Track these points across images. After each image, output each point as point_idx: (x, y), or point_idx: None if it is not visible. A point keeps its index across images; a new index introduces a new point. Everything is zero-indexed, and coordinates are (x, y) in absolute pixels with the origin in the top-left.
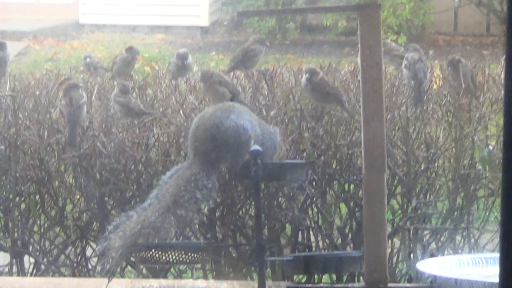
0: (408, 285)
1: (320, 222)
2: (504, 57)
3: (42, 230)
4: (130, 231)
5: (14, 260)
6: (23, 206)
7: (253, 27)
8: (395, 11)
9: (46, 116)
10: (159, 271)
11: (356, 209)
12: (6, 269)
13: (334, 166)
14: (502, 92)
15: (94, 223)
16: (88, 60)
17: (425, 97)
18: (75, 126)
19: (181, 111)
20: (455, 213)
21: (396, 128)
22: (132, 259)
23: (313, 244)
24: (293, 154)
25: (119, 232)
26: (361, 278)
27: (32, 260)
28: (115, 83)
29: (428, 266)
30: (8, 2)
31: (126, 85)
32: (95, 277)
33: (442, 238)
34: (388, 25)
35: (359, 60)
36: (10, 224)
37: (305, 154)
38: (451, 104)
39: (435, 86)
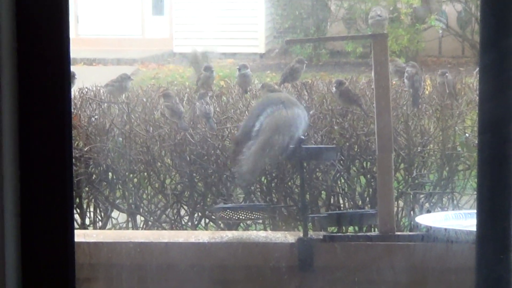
0: (409, 233)
1: (346, 189)
2: (476, 70)
3: (149, 197)
4: (248, 161)
5: (129, 219)
6: (135, 180)
7: (296, 52)
8: (397, 40)
9: (151, 116)
10: (232, 225)
11: (372, 180)
12: (124, 225)
13: (355, 149)
14: (475, 95)
15: (186, 192)
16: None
17: (420, 100)
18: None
19: (246, 112)
20: (442, 182)
21: (400, 122)
22: (213, 217)
23: (342, 205)
24: (327, 141)
25: (243, 166)
26: (376, 229)
27: (142, 218)
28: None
29: (424, 219)
30: (123, 39)
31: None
32: (187, 230)
33: (433, 200)
34: (392, 50)
35: (372, 74)
36: (126, 193)
37: (335, 141)
38: (439, 105)
39: (427, 92)
